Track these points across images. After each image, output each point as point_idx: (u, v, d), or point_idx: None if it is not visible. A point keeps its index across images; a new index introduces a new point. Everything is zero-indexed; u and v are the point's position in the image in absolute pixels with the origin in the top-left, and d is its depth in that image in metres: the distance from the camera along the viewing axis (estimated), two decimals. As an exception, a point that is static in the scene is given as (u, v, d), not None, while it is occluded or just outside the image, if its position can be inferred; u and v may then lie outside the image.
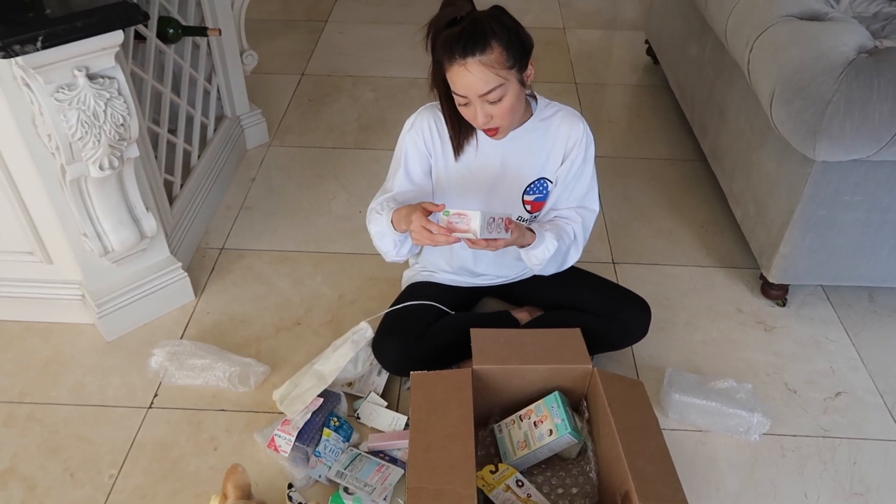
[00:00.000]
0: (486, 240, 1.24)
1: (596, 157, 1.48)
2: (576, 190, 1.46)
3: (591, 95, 2.75)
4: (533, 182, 1.45)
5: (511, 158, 1.43)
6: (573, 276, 1.60)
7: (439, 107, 1.41)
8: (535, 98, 1.43)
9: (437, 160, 1.45)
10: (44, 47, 1.18)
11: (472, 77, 1.23)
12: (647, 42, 2.98)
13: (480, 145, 1.42)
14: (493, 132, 1.35)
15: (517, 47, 1.26)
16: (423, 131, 1.42)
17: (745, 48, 1.67)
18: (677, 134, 2.49)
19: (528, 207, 1.48)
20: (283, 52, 3.04)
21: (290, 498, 1.30)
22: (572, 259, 1.49)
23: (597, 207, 1.49)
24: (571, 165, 1.43)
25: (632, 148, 2.43)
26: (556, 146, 1.43)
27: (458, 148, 1.42)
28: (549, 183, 1.46)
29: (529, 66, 1.30)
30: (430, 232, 1.23)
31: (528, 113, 1.42)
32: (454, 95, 1.30)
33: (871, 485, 1.41)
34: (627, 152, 2.41)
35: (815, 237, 1.62)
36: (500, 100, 1.27)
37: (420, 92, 2.70)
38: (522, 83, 1.31)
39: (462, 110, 1.32)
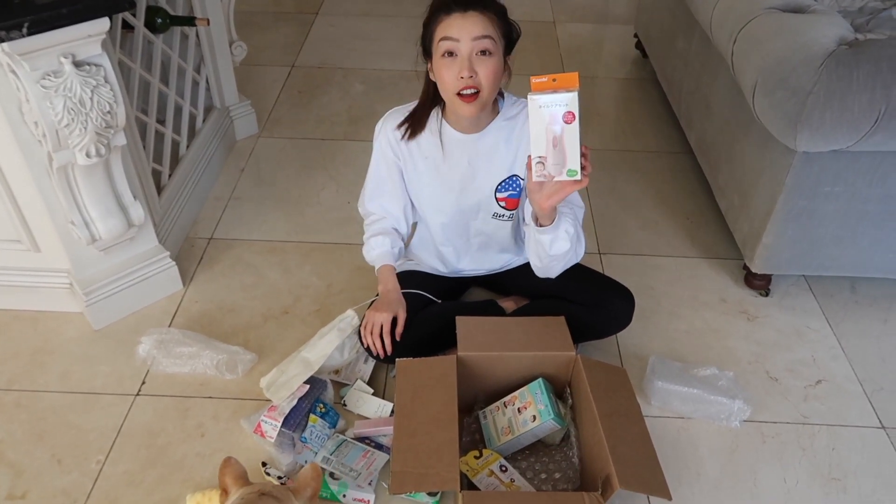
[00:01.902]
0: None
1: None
2: None
3: (580, 89, 2.76)
4: (504, 180, 1.46)
5: (478, 158, 1.44)
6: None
7: (400, 113, 1.46)
8: (502, 96, 1.43)
9: (405, 163, 1.48)
10: (29, 34, 1.19)
11: (469, 21, 1.26)
12: (636, 36, 2.99)
13: (446, 147, 1.43)
14: (471, 98, 1.29)
15: (507, 26, 1.31)
16: (388, 136, 1.46)
17: (729, 40, 1.69)
18: (664, 127, 2.51)
19: (503, 204, 1.49)
20: (274, 43, 3.04)
21: (267, 474, 1.33)
22: (580, 255, 1.40)
23: (582, 203, 1.47)
24: None
25: (620, 140, 2.45)
26: (524, 142, 1.41)
27: (412, 131, 1.43)
28: (521, 180, 1.46)
29: (510, 57, 1.34)
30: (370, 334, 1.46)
31: (494, 112, 1.42)
32: (441, 45, 1.27)
33: (848, 470, 1.43)
34: (615, 145, 2.43)
35: (797, 228, 1.65)
36: (488, 54, 1.27)
37: (410, 84, 2.70)
38: (504, 64, 1.32)
39: (444, 67, 1.28)
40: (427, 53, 1.35)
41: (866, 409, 1.56)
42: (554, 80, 1.09)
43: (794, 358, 1.67)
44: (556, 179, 1.15)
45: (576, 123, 1.09)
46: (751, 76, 1.56)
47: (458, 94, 1.29)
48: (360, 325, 1.50)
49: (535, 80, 1.11)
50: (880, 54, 1.40)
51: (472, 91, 1.29)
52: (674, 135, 2.45)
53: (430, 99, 1.40)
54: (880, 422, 1.53)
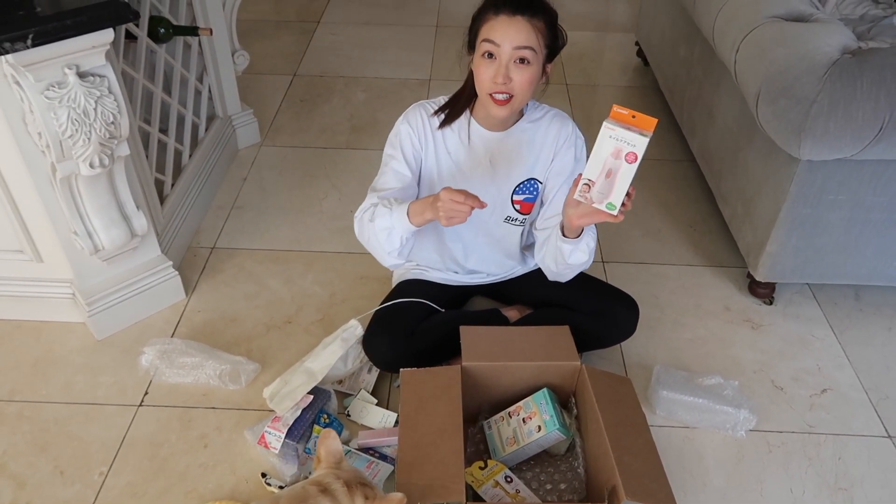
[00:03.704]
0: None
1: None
2: None
3: (581, 97, 2.77)
4: (522, 182, 1.46)
5: (500, 158, 1.44)
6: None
7: (430, 104, 1.45)
8: None
9: (427, 155, 1.46)
10: (34, 45, 1.19)
11: (514, 28, 1.26)
12: (637, 44, 3.00)
13: (472, 142, 1.43)
14: (503, 102, 1.32)
15: (553, 36, 1.32)
16: (416, 125, 1.44)
17: (732, 49, 1.69)
18: (666, 135, 2.51)
19: (518, 207, 1.49)
20: (275, 52, 3.05)
21: (268, 484, 1.34)
22: (588, 264, 1.43)
23: None
24: (562, 164, 1.44)
25: (622, 148, 2.45)
26: (546, 147, 1.44)
27: (449, 116, 1.42)
28: (538, 184, 1.47)
29: (550, 65, 1.34)
30: (459, 203, 1.21)
31: (520, 113, 1.43)
32: (482, 45, 1.29)
33: (855, 480, 1.43)
34: (617, 153, 2.42)
35: (801, 236, 1.64)
36: (526, 64, 1.28)
37: (412, 92, 2.70)
38: (542, 72, 1.33)
39: (482, 66, 1.30)
40: (471, 46, 1.35)
41: (872, 418, 1.55)
42: (633, 116, 1.13)
43: (798, 366, 1.67)
44: (594, 206, 1.18)
45: (635, 165, 1.12)
46: (754, 85, 1.56)
47: (491, 95, 1.31)
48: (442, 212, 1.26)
49: (616, 108, 1.14)
50: (884, 63, 1.40)
51: (505, 96, 1.31)
52: (676, 143, 2.45)
53: (471, 90, 1.39)
54: (886, 431, 1.53)
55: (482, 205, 1.23)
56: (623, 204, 1.16)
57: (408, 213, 1.30)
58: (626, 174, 1.14)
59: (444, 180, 1.47)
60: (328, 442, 1.10)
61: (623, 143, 1.12)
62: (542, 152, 1.45)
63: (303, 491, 1.03)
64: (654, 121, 1.12)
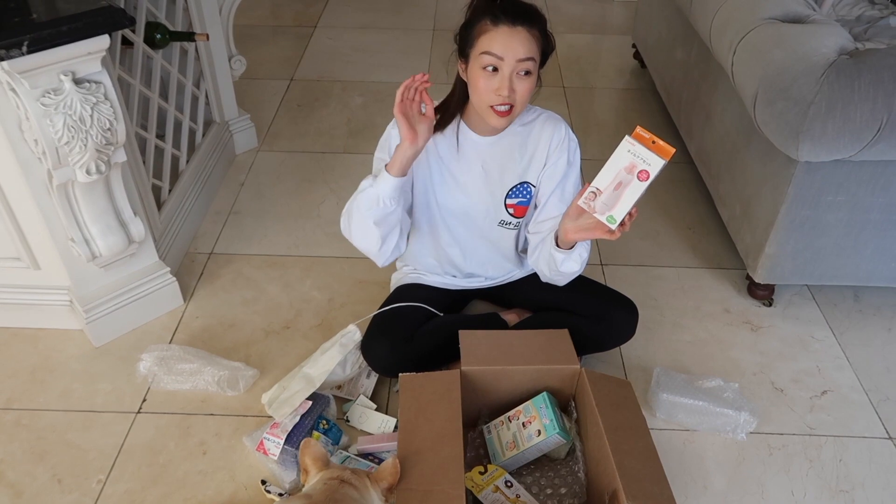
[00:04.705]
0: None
1: (583, 159, 1.49)
2: (566, 194, 1.46)
3: (579, 99, 2.77)
4: (515, 186, 1.46)
5: (492, 163, 1.44)
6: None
7: None
8: None
9: (419, 159, 1.45)
10: (29, 52, 1.19)
11: (516, 40, 1.25)
12: (634, 46, 3.00)
13: (461, 148, 1.43)
14: (504, 113, 1.30)
15: (546, 42, 1.31)
16: None
17: (729, 51, 1.69)
18: (664, 136, 2.44)
19: (512, 211, 1.49)
20: (272, 57, 3.05)
21: (268, 491, 1.33)
22: (581, 270, 1.44)
23: None
24: (555, 168, 1.44)
25: (619, 151, 2.44)
26: (539, 150, 1.43)
27: (441, 122, 1.39)
28: (531, 187, 1.47)
29: (541, 69, 1.34)
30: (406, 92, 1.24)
31: None
32: (483, 58, 1.26)
33: (856, 482, 1.42)
34: (615, 155, 2.42)
35: (800, 237, 1.64)
36: (528, 75, 1.28)
37: (409, 96, 2.71)
38: (537, 78, 1.33)
39: (482, 80, 1.28)
40: (462, 53, 1.33)
41: (873, 420, 1.55)
42: (653, 141, 1.17)
43: (798, 368, 1.66)
44: (595, 215, 1.19)
45: (645, 185, 1.16)
46: (751, 86, 1.56)
47: (493, 107, 1.30)
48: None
49: (639, 130, 1.18)
50: (881, 64, 1.40)
51: (507, 108, 1.30)
52: (674, 145, 2.42)
53: (462, 95, 1.38)
54: (887, 432, 1.52)
55: (424, 77, 1.24)
56: (623, 223, 1.18)
57: (386, 169, 1.31)
58: (635, 190, 1.16)
59: (436, 185, 1.46)
60: (311, 450, 1.14)
61: (639, 160, 1.16)
62: (535, 156, 1.44)
63: (326, 487, 1.08)
64: (672, 150, 1.15)
